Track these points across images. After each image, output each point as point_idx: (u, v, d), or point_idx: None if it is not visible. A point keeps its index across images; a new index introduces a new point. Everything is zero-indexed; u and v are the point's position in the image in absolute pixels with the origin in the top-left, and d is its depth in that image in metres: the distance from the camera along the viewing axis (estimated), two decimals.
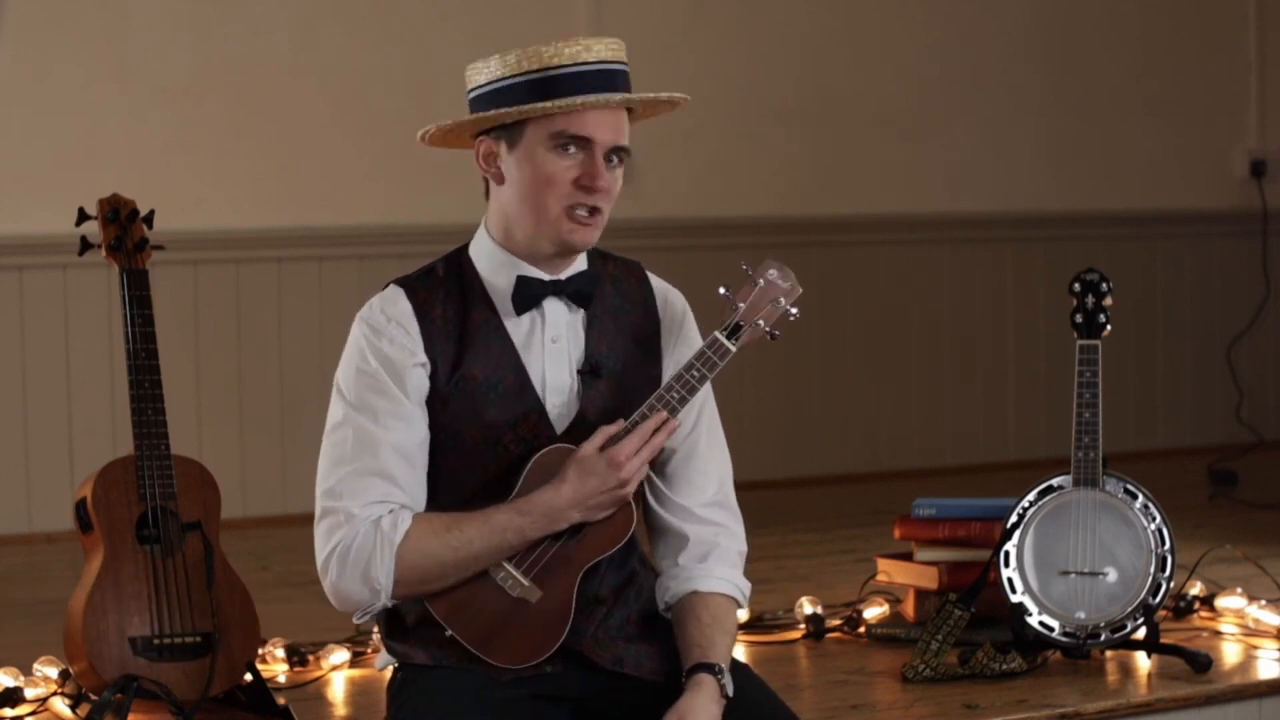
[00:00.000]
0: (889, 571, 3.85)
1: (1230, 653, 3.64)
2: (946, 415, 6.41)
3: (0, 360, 5.30)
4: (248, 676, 3.20)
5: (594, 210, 2.60)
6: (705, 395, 2.75)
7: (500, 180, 2.64)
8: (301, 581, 4.37)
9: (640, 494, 2.72)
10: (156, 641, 3.11)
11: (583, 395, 2.65)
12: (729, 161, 6.06)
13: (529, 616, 2.59)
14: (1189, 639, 3.69)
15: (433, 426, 2.64)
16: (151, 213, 3.27)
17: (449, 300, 2.66)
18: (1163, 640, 3.53)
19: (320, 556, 2.61)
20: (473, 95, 2.63)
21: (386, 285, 2.70)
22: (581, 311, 2.68)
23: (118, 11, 5.38)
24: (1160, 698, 3.34)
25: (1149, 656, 3.53)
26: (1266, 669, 3.53)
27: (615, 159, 2.61)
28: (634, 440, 2.56)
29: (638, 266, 2.78)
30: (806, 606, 3.88)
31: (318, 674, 3.59)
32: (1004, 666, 3.43)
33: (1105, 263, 4.02)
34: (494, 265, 2.67)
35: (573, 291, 2.66)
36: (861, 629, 3.83)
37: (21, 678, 3.41)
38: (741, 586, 2.71)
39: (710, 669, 2.57)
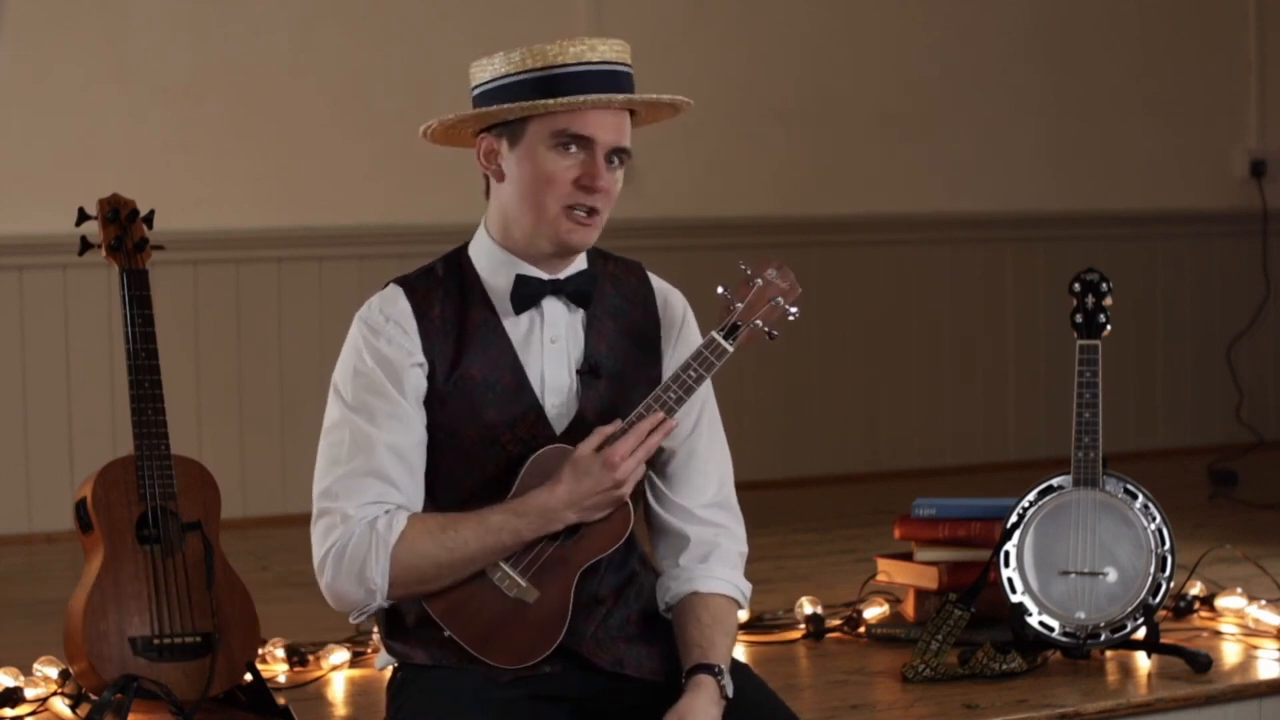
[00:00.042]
0: (889, 571, 3.85)
1: (1230, 653, 3.64)
2: (946, 415, 6.41)
3: (0, 360, 5.30)
4: (248, 676, 3.20)
5: (592, 210, 2.59)
6: (706, 396, 2.75)
7: (500, 178, 2.64)
8: (301, 581, 4.35)
9: (641, 494, 2.72)
10: (156, 641, 3.11)
11: (581, 395, 2.65)
12: (729, 161, 6.07)
13: (527, 617, 2.59)
14: (1189, 639, 3.69)
15: (431, 426, 2.64)
16: (151, 213, 3.27)
17: (448, 300, 2.66)
18: (1163, 640, 3.53)
19: (316, 557, 2.61)
20: (476, 92, 2.63)
21: (386, 284, 2.70)
22: (581, 311, 2.68)
23: (118, 11, 5.38)
24: (1160, 698, 3.34)
25: (1149, 656, 3.53)
26: (1266, 669, 3.53)
27: (616, 160, 2.61)
28: (629, 441, 2.55)
29: (638, 267, 2.78)
30: (806, 606, 3.88)
31: (318, 674, 3.59)
32: (1004, 666, 3.43)
33: (1105, 263, 4.02)
34: (493, 265, 2.66)
35: (572, 291, 2.66)
36: (861, 629, 3.83)
37: (21, 678, 3.41)
38: (742, 587, 2.71)
39: (710, 670, 2.57)
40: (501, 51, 2.60)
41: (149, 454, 3.15)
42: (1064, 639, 3.48)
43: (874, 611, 3.87)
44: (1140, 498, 3.49)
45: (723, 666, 2.58)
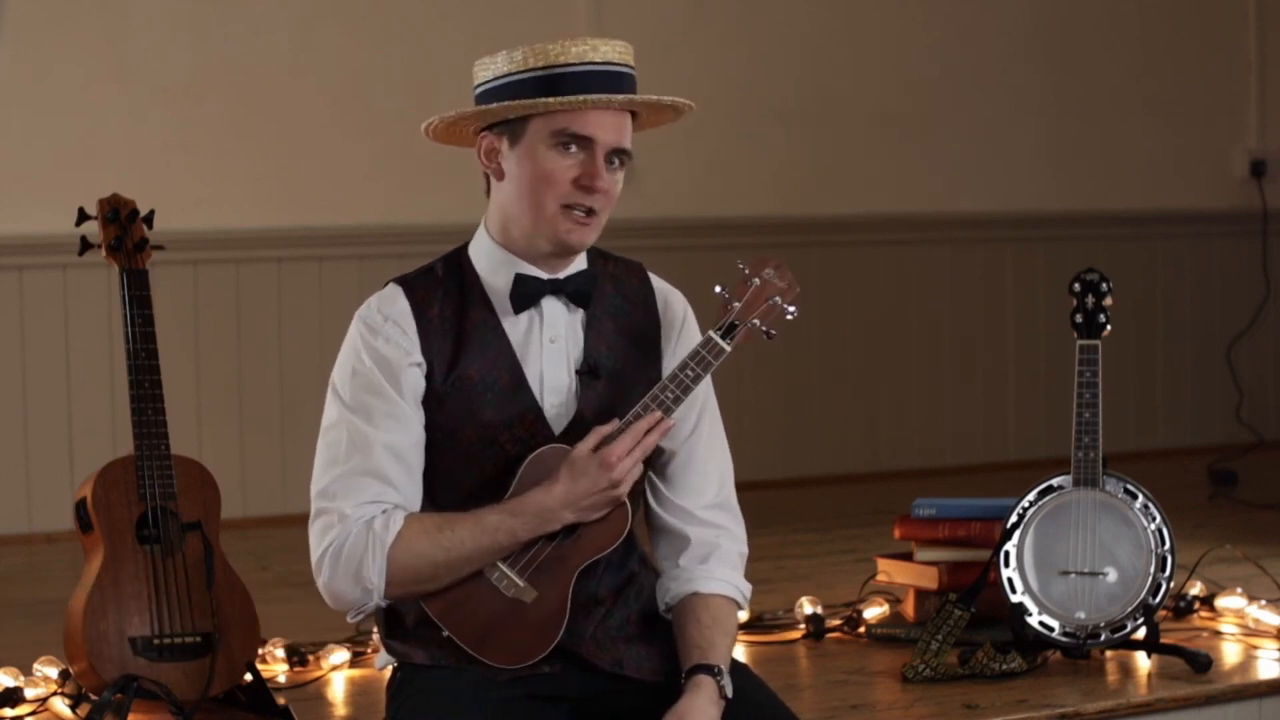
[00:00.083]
0: (889, 571, 3.85)
1: (1230, 653, 3.64)
2: (946, 415, 6.41)
3: (0, 360, 5.30)
4: (248, 676, 3.20)
5: (591, 211, 2.59)
6: (706, 396, 2.75)
7: (500, 176, 2.64)
8: (301, 581, 4.34)
9: (641, 495, 2.72)
10: (156, 641, 3.11)
11: (580, 395, 2.65)
12: (729, 161, 6.07)
13: (524, 617, 2.59)
14: (1189, 639, 3.69)
15: (429, 426, 2.64)
16: (151, 213, 3.27)
17: (447, 299, 2.66)
18: (1163, 640, 3.53)
19: (314, 556, 2.61)
20: (478, 90, 2.63)
21: (386, 284, 2.70)
22: (581, 311, 2.68)
23: (118, 11, 5.38)
24: (1160, 698, 3.34)
25: (1149, 656, 3.53)
26: (1266, 669, 3.53)
27: (616, 161, 2.61)
28: (626, 440, 2.55)
29: (639, 267, 2.78)
30: (806, 606, 3.88)
31: (318, 674, 3.59)
32: (1004, 666, 3.43)
33: (1105, 263, 4.02)
34: (493, 264, 2.66)
35: (571, 291, 2.66)
36: (861, 629, 3.83)
37: (21, 678, 3.41)
38: (742, 588, 2.71)
39: (709, 670, 2.57)
40: (504, 50, 2.60)
41: (149, 454, 3.15)
42: (1064, 639, 3.48)
43: (874, 611, 3.87)
44: (1140, 498, 3.49)
45: (722, 667, 2.58)
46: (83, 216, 3.25)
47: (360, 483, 2.59)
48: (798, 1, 6.16)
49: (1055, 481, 3.53)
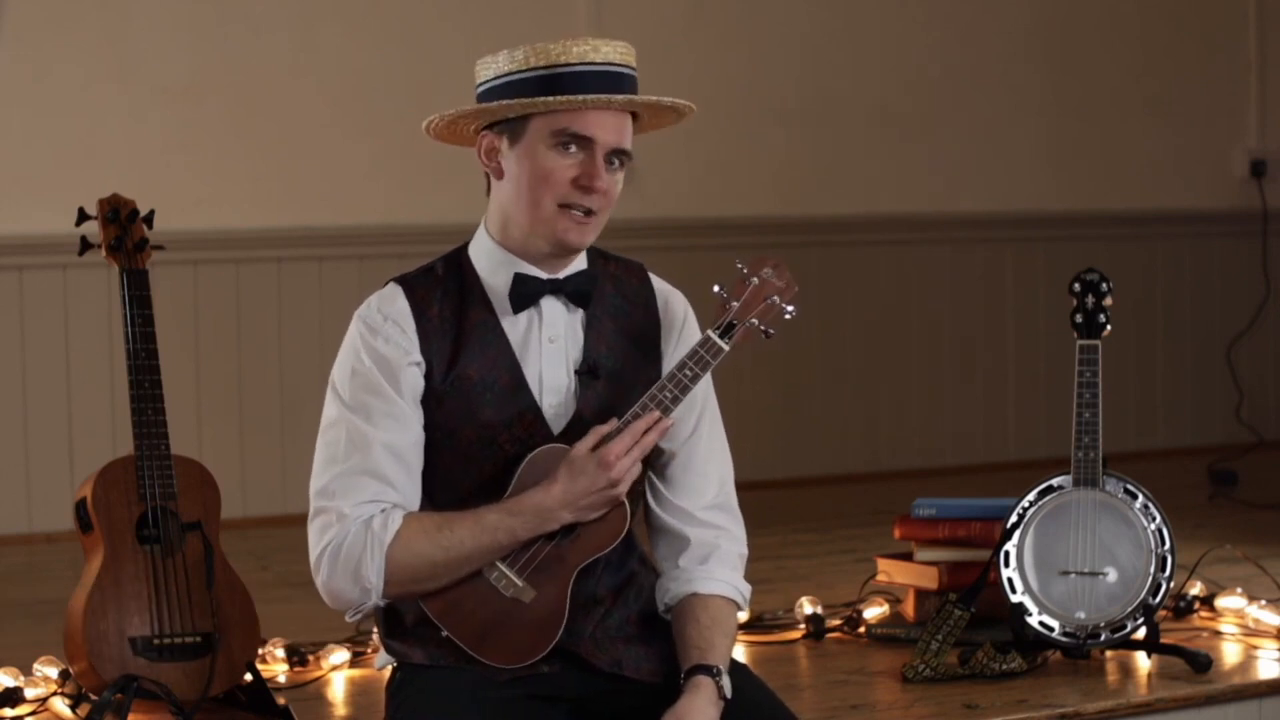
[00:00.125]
0: (889, 571, 3.85)
1: (1230, 653, 3.64)
2: (946, 415, 6.41)
3: (0, 360, 5.30)
4: (248, 676, 3.20)
5: (589, 211, 2.59)
6: (707, 397, 2.75)
7: (500, 175, 2.64)
8: (301, 581, 4.33)
9: (640, 495, 2.72)
10: (156, 641, 3.11)
11: (580, 395, 2.65)
12: (729, 161, 6.07)
13: (523, 616, 2.59)
14: (1189, 639, 3.69)
15: (428, 426, 2.64)
16: (151, 213, 3.27)
17: (446, 299, 2.66)
18: (1163, 640, 3.53)
19: (312, 555, 2.61)
20: (480, 89, 2.63)
21: (386, 283, 2.70)
22: (580, 311, 2.68)
23: (118, 11, 5.38)
24: (1160, 698, 3.34)
25: (1149, 656, 3.53)
26: (1266, 669, 3.53)
27: (616, 162, 2.61)
28: (625, 440, 2.55)
29: (639, 267, 2.78)
30: (806, 606, 3.88)
31: (318, 674, 3.59)
32: (1004, 666, 3.43)
33: (1105, 263, 4.02)
34: (492, 264, 2.66)
35: (571, 291, 2.66)
36: (861, 629, 3.83)
37: (21, 678, 3.41)
38: (741, 589, 2.71)
39: (708, 671, 2.57)
40: (506, 50, 2.60)
41: (149, 454, 3.15)
42: (1064, 639, 3.48)
43: (874, 611, 3.87)
44: (1140, 498, 3.49)
45: (721, 668, 2.58)
46: (83, 216, 3.25)
47: (359, 482, 2.59)
48: (798, 1, 6.16)
49: (1055, 481, 3.53)
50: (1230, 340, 6.72)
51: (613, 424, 2.57)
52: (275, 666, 3.60)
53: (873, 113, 6.25)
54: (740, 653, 3.37)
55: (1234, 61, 6.78)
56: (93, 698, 3.14)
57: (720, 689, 2.56)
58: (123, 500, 3.14)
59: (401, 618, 2.67)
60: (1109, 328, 3.54)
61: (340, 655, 3.62)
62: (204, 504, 3.20)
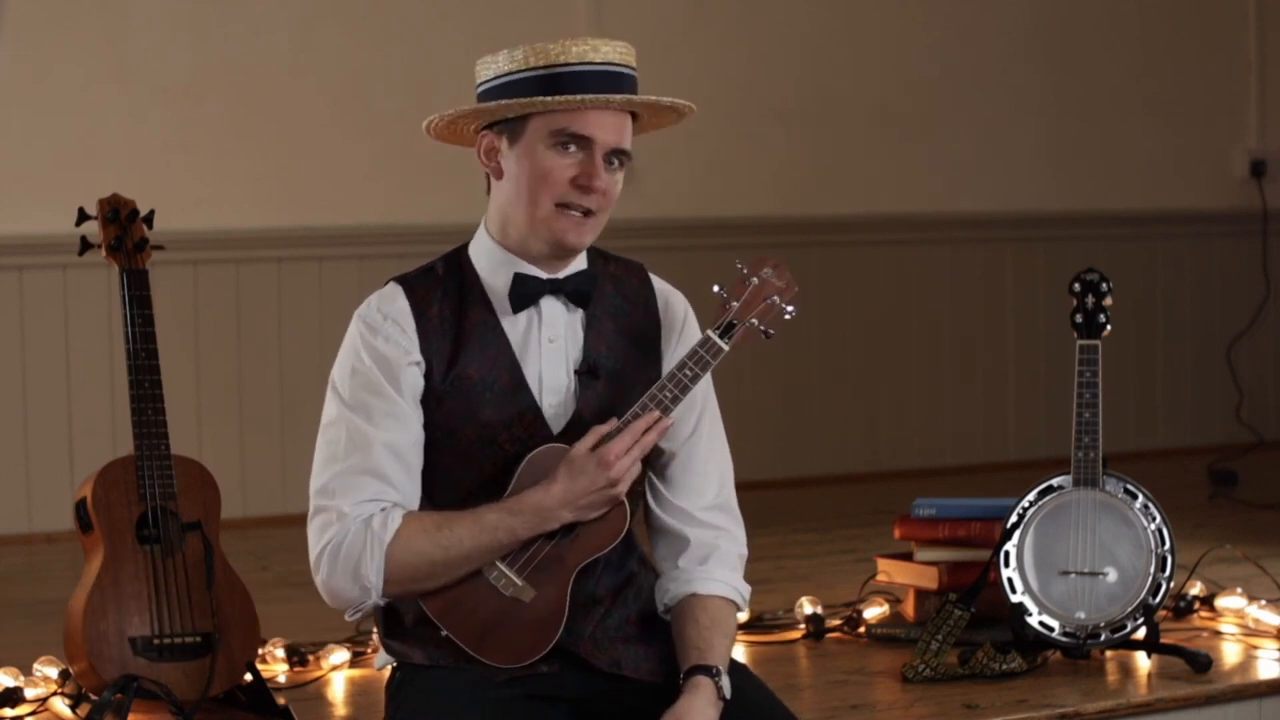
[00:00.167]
0: (889, 571, 3.85)
1: (1230, 653, 3.64)
2: (946, 415, 6.41)
3: (0, 360, 5.30)
4: (248, 676, 3.20)
5: (588, 211, 2.59)
6: (707, 397, 2.75)
7: (499, 175, 2.64)
8: (301, 581, 4.33)
9: (640, 495, 2.72)
10: (156, 641, 3.11)
11: (579, 395, 2.65)
12: (729, 161, 6.07)
13: (523, 616, 2.59)
14: (1189, 639, 3.69)
15: (428, 425, 2.64)
16: (151, 213, 3.27)
17: (446, 299, 2.66)
18: (1163, 640, 3.53)
19: (312, 554, 2.61)
20: (480, 89, 2.63)
21: (386, 283, 2.70)
22: (580, 311, 2.68)
23: (118, 11, 5.38)
24: (1160, 698, 3.34)
25: (1149, 656, 3.53)
26: (1266, 669, 3.53)
27: (615, 162, 2.61)
28: (624, 439, 2.55)
29: (640, 268, 2.78)
30: (806, 606, 3.88)
31: (318, 674, 3.59)
32: (1004, 666, 3.43)
33: (1105, 263, 4.02)
34: (492, 264, 2.66)
35: (571, 291, 2.66)
36: (861, 629, 3.83)
37: (21, 678, 3.41)
38: (741, 589, 2.71)
39: (708, 671, 2.57)
40: (506, 49, 2.60)
41: (149, 454, 3.15)
42: (1064, 639, 3.48)
43: (874, 611, 3.87)
44: (1140, 498, 3.49)
45: (720, 668, 2.58)
46: (83, 216, 3.25)
47: (359, 481, 2.59)
48: (798, 1, 6.16)
49: (1055, 481, 3.53)
50: (1230, 340, 6.72)
51: (612, 424, 2.57)
52: (275, 666, 3.60)
53: (873, 113, 6.25)
54: (740, 653, 3.37)
55: (1234, 61, 6.78)
56: (93, 698, 3.14)
57: (719, 689, 2.56)
58: (123, 500, 3.14)
59: (401, 618, 2.67)
60: (1109, 328, 3.54)
61: (340, 655, 3.63)
62: (204, 504, 3.20)
